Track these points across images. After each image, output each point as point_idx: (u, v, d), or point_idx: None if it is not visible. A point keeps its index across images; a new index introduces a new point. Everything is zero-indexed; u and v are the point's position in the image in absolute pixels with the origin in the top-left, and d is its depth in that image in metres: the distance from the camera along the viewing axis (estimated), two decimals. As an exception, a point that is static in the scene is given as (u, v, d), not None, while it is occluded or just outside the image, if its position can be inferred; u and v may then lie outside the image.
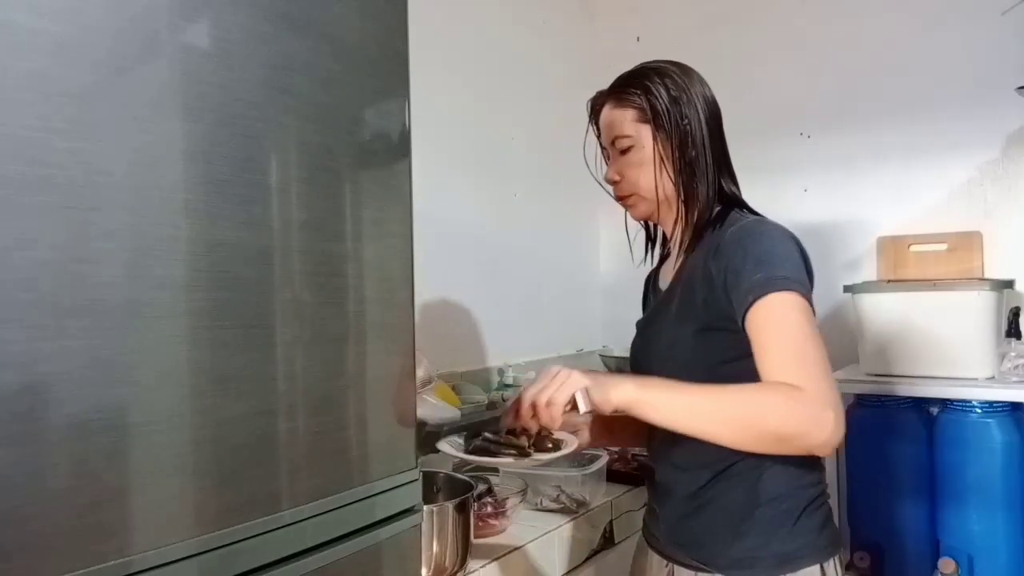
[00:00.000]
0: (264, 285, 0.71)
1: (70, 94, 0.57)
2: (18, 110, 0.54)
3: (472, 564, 1.19)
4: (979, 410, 1.73)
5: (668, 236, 1.22)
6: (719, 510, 1.07)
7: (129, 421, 0.60)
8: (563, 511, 1.46)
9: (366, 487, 0.82)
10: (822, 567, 1.04)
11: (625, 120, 1.14)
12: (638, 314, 1.28)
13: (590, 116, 1.22)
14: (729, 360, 1.03)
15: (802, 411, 0.91)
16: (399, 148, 0.88)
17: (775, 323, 0.96)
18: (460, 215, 2.06)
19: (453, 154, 2.03)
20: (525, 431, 1.03)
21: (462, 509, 1.14)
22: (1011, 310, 1.85)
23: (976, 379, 1.77)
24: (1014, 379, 1.73)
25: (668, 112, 1.11)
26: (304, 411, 0.75)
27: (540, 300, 2.36)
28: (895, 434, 1.84)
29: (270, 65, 0.72)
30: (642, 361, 1.18)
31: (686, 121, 1.11)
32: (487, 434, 1.06)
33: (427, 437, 1.18)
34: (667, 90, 1.12)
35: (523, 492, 1.38)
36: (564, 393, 0.96)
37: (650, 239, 1.28)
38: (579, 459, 1.57)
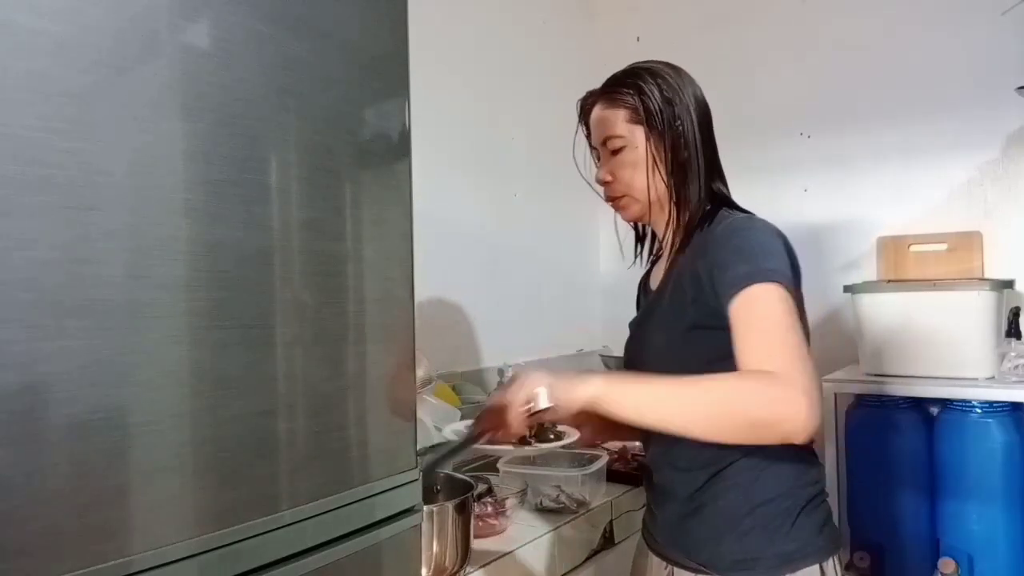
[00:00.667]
0: (264, 285, 0.71)
1: (70, 94, 0.57)
2: (18, 110, 0.54)
3: (472, 564, 1.19)
4: (979, 410, 1.73)
5: (659, 237, 1.21)
6: (718, 511, 1.07)
7: (129, 421, 0.60)
8: (563, 511, 1.46)
9: (366, 487, 0.82)
10: (822, 567, 1.03)
11: (617, 120, 1.13)
12: (638, 314, 1.28)
13: (580, 116, 1.21)
14: (721, 358, 1.02)
15: (774, 395, 0.89)
16: (399, 148, 0.88)
17: (755, 313, 0.95)
18: (460, 215, 2.06)
19: (453, 154, 2.03)
20: (493, 439, 1.03)
21: (462, 509, 1.14)
22: (1011, 310, 1.85)
23: (976, 379, 1.77)
24: (1014, 379, 1.73)
25: (661, 113, 1.11)
26: (304, 411, 0.75)
27: (540, 300, 2.36)
28: (895, 434, 1.84)
29: (270, 65, 0.72)
30: (635, 361, 1.17)
31: (679, 122, 1.11)
32: None
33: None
34: (660, 91, 1.11)
35: (523, 492, 1.38)
36: (520, 394, 0.96)
37: (639, 241, 1.27)
38: (579, 459, 1.57)
